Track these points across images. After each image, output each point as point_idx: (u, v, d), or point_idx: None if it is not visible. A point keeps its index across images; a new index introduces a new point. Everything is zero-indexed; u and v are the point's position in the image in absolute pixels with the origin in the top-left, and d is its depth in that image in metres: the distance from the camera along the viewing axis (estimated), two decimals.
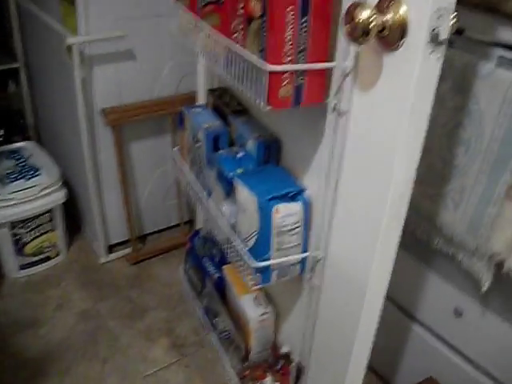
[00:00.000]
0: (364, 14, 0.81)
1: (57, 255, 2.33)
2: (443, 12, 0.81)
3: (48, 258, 2.30)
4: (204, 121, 1.38)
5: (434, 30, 0.82)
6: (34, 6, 2.14)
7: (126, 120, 2.05)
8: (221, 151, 1.33)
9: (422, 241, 1.49)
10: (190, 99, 1.92)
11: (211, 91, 1.53)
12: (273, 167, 1.29)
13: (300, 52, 0.93)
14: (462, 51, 1.23)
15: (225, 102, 1.44)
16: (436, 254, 1.51)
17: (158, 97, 2.13)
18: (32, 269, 2.26)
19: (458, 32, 1.22)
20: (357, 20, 0.81)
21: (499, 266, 1.30)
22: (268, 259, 1.19)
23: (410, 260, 1.59)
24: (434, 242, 1.45)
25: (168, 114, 2.13)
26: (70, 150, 2.29)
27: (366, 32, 0.82)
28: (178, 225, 2.50)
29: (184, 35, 1.31)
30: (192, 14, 1.24)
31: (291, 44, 0.92)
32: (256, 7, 0.94)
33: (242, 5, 0.99)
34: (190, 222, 2.50)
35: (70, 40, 1.79)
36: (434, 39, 0.82)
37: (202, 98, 1.60)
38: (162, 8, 1.96)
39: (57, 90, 2.27)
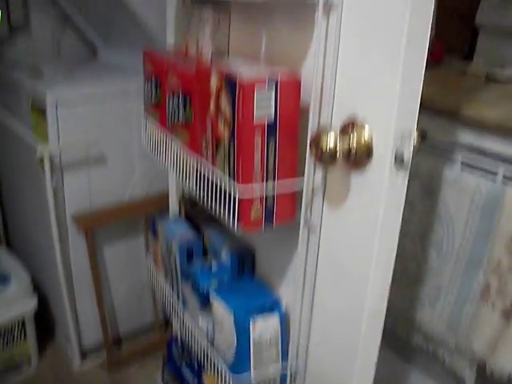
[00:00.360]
0: (330, 141, 0.83)
1: (28, 364, 2.24)
2: (405, 134, 0.84)
3: (19, 368, 2.21)
4: (177, 232, 1.38)
5: (397, 150, 0.84)
6: (4, 112, 2.16)
7: (97, 224, 2.04)
8: (195, 263, 1.32)
9: (401, 338, 1.48)
10: (162, 200, 1.93)
11: (183, 199, 1.54)
12: (248, 278, 1.28)
13: (269, 173, 0.94)
14: (426, 155, 1.27)
15: (197, 211, 1.45)
16: (417, 351, 1.49)
17: (130, 199, 2.13)
18: (2, 381, 2.16)
19: (421, 136, 1.26)
20: (323, 146, 0.83)
21: (482, 363, 1.29)
22: (248, 374, 1.16)
23: (392, 357, 1.57)
24: (414, 339, 1.44)
25: (140, 215, 2.13)
26: (41, 254, 2.26)
27: (333, 157, 0.84)
28: (154, 325, 2.45)
29: (154, 149, 1.33)
30: (162, 129, 1.26)
31: (260, 166, 0.93)
32: (224, 131, 0.95)
33: (210, 127, 1.01)
34: (167, 322, 2.45)
35: (42, 151, 1.80)
36: (399, 159, 0.84)
37: (174, 207, 1.60)
38: (132, 116, 1.99)
39: (27, 195, 2.26)
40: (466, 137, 1.22)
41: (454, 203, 1.20)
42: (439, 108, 1.27)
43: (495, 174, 1.21)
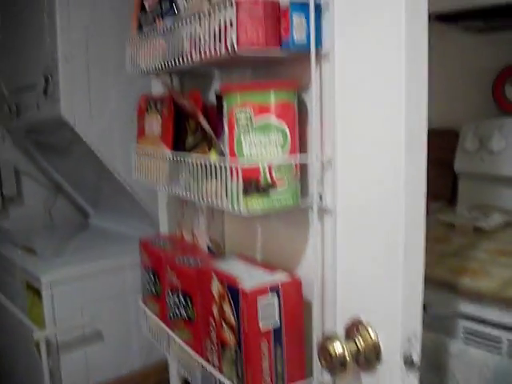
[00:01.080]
0: (337, 348, 0.83)
1: None
2: (411, 336, 0.84)
3: None
4: None
5: (406, 353, 0.84)
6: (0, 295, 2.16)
7: None
8: None
9: None
10: (161, 370, 1.89)
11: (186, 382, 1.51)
12: None
13: (278, 378, 0.94)
14: (427, 328, 1.26)
15: None
16: None
17: (128, 371, 2.07)
18: None
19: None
20: (332, 354, 0.83)
21: None
22: None
23: None
24: None
25: None
26: None
27: (342, 365, 0.84)
28: None
29: (155, 338, 1.32)
30: (163, 322, 1.25)
31: (269, 373, 0.92)
32: (230, 337, 0.96)
33: (214, 330, 1.01)
34: None
35: (38, 335, 1.77)
36: (408, 362, 0.84)
37: None
38: (127, 287, 2.00)
39: (23, 375, 2.20)
40: (466, 307, 1.23)
41: (462, 377, 1.19)
42: (436, 280, 1.28)
43: (499, 341, 1.21)
